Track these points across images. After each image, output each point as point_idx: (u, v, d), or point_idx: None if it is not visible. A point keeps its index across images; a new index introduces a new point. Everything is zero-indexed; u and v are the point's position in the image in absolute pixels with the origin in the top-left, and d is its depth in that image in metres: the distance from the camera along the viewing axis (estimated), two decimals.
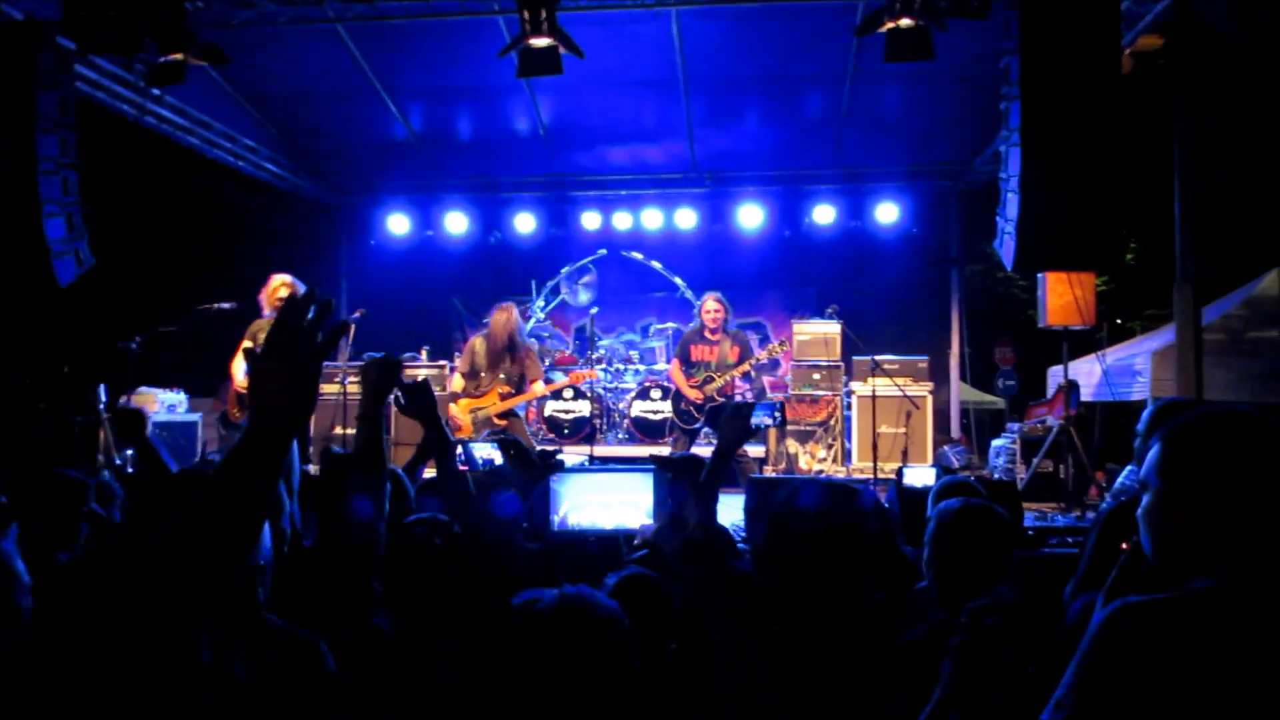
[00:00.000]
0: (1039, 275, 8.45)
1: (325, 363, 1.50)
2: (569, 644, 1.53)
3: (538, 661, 1.52)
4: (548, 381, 8.74)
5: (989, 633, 1.62)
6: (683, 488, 2.39)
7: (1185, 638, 1.40)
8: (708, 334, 8.31)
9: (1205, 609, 1.44)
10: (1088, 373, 10.08)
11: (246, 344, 7.33)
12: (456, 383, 8.39)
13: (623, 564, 2.93)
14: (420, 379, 3.31)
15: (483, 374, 8.12)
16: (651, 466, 3.04)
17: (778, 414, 7.55)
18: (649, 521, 2.92)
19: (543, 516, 2.97)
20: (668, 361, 9.91)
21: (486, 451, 5.21)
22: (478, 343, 8.34)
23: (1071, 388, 8.23)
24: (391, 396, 2.89)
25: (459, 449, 5.17)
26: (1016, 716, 1.88)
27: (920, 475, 4.77)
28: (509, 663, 1.54)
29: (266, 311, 7.36)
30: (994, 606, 1.64)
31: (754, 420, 3.11)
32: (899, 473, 4.91)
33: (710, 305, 8.36)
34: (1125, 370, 10.26)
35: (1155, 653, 1.40)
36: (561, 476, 3.03)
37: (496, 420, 8.07)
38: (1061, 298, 8.14)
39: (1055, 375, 9.67)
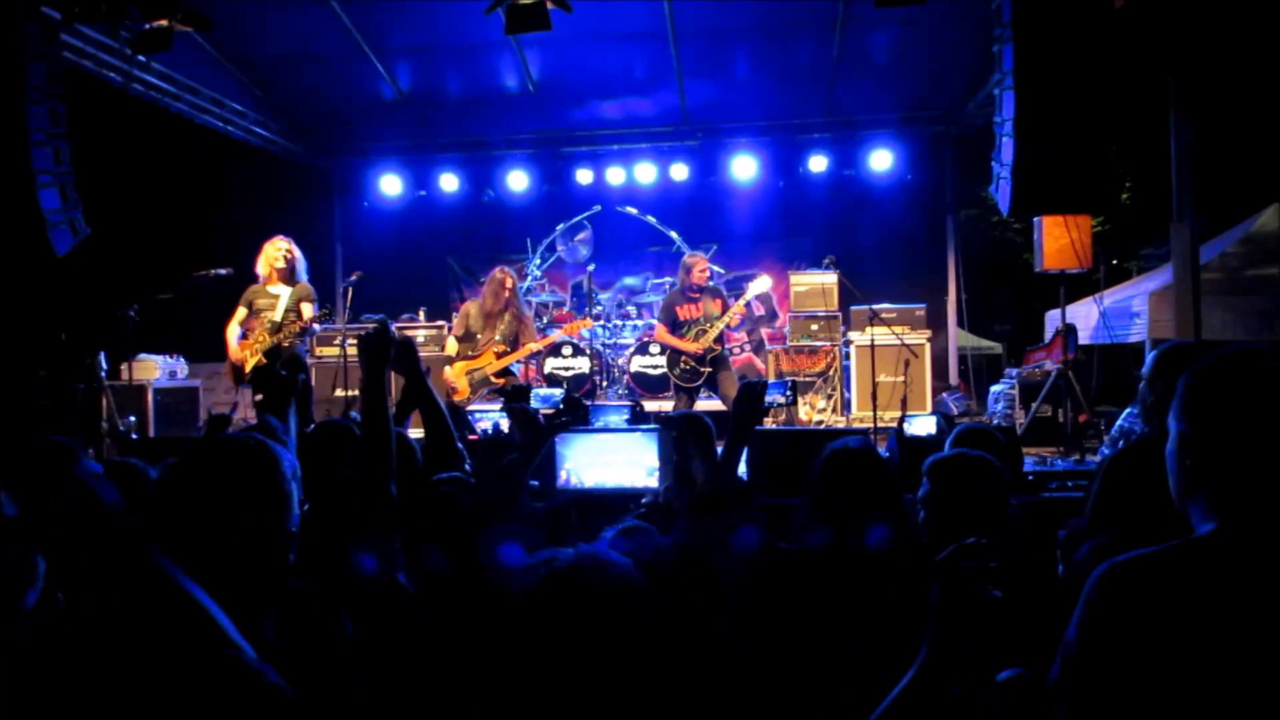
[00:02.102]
0: (1035, 219, 8.43)
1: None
2: (585, 602, 1.54)
3: (554, 621, 1.54)
4: (542, 338, 8.80)
5: (966, 575, 1.64)
6: (688, 446, 2.41)
7: (1184, 590, 1.41)
8: (691, 293, 8.35)
9: (1202, 557, 1.45)
10: (1085, 315, 10.10)
11: (237, 315, 7.36)
12: (450, 346, 8.43)
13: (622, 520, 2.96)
14: (405, 337, 3.32)
15: (478, 336, 8.17)
16: (654, 427, 3.07)
17: (789, 393, 7.62)
18: (652, 480, 2.95)
19: (548, 476, 3.00)
20: None
21: (488, 420, 5.26)
22: (471, 306, 8.39)
23: (1069, 332, 8.24)
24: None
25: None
26: (1006, 656, 1.91)
27: (923, 425, 4.85)
28: (525, 623, 1.56)
29: (263, 274, 7.35)
30: (969, 549, 1.66)
31: (768, 399, 3.13)
32: (900, 422, 4.97)
33: (702, 264, 8.41)
34: (1123, 312, 10.28)
35: (1154, 609, 1.41)
36: (566, 438, 3.06)
37: (494, 379, 8.12)
38: (1058, 241, 8.13)
39: (1053, 319, 9.68)
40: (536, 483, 3.17)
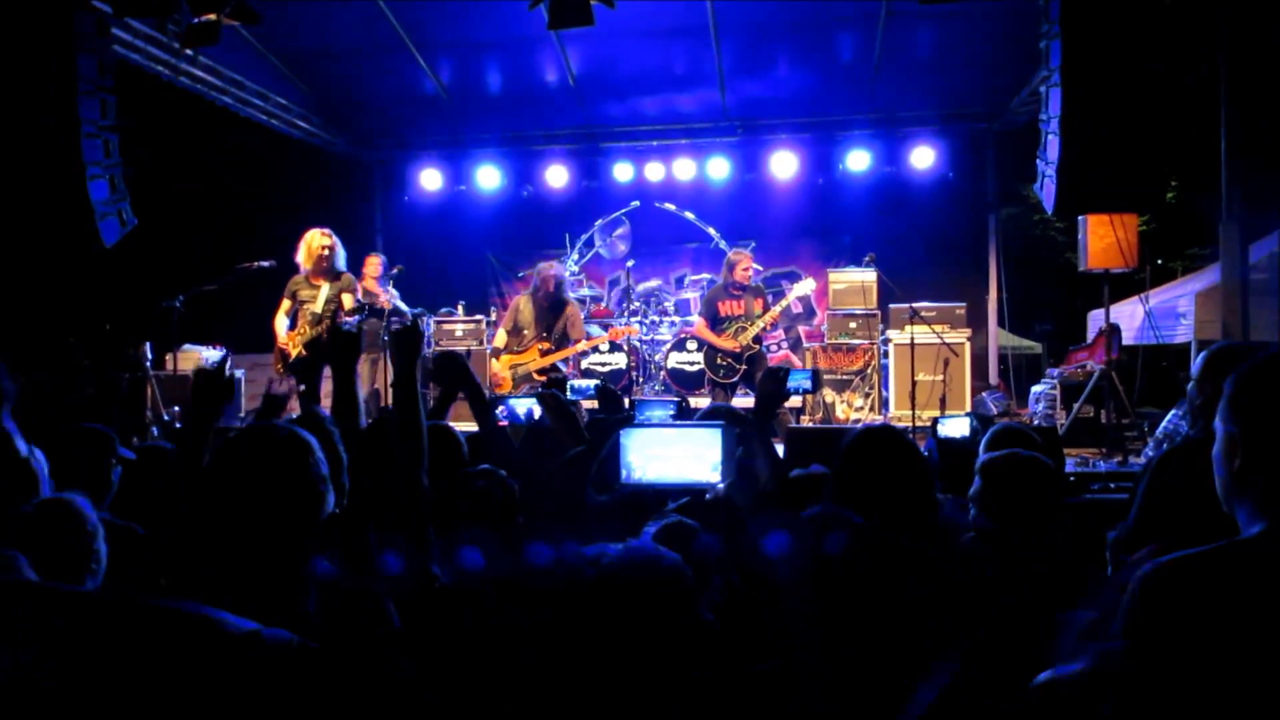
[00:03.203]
0: (1079, 218, 8.33)
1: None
2: (636, 597, 1.54)
3: (605, 614, 1.54)
4: (588, 338, 8.80)
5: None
6: (751, 442, 2.42)
7: (1229, 591, 1.40)
8: (734, 290, 8.32)
9: (1249, 559, 1.44)
10: (1129, 315, 9.98)
11: (283, 306, 7.45)
12: (499, 339, 8.46)
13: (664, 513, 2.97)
14: (447, 351, 3.38)
15: (525, 331, 8.19)
16: (719, 422, 3.08)
17: (808, 382, 7.60)
18: (714, 475, 2.96)
19: (612, 470, 3.02)
20: None
21: (527, 405, 5.28)
22: (522, 301, 8.41)
23: (1113, 332, 8.14)
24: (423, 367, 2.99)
25: (500, 406, 5.24)
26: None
27: (956, 426, 4.82)
28: (576, 615, 1.56)
29: (305, 267, 7.45)
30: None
31: (790, 385, 3.14)
32: (934, 423, 4.94)
33: (746, 261, 8.37)
34: (1168, 312, 10.15)
35: (1198, 610, 1.40)
36: (629, 431, 3.08)
37: (536, 376, 8.16)
38: (1103, 240, 8.01)
39: (1096, 319, 9.58)
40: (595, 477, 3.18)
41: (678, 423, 3.84)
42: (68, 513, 2.30)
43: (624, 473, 3.04)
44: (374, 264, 9.32)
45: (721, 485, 2.95)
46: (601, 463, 3.06)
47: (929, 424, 8.07)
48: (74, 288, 8.93)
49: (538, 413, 5.87)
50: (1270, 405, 1.49)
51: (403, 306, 8.86)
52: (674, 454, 3.06)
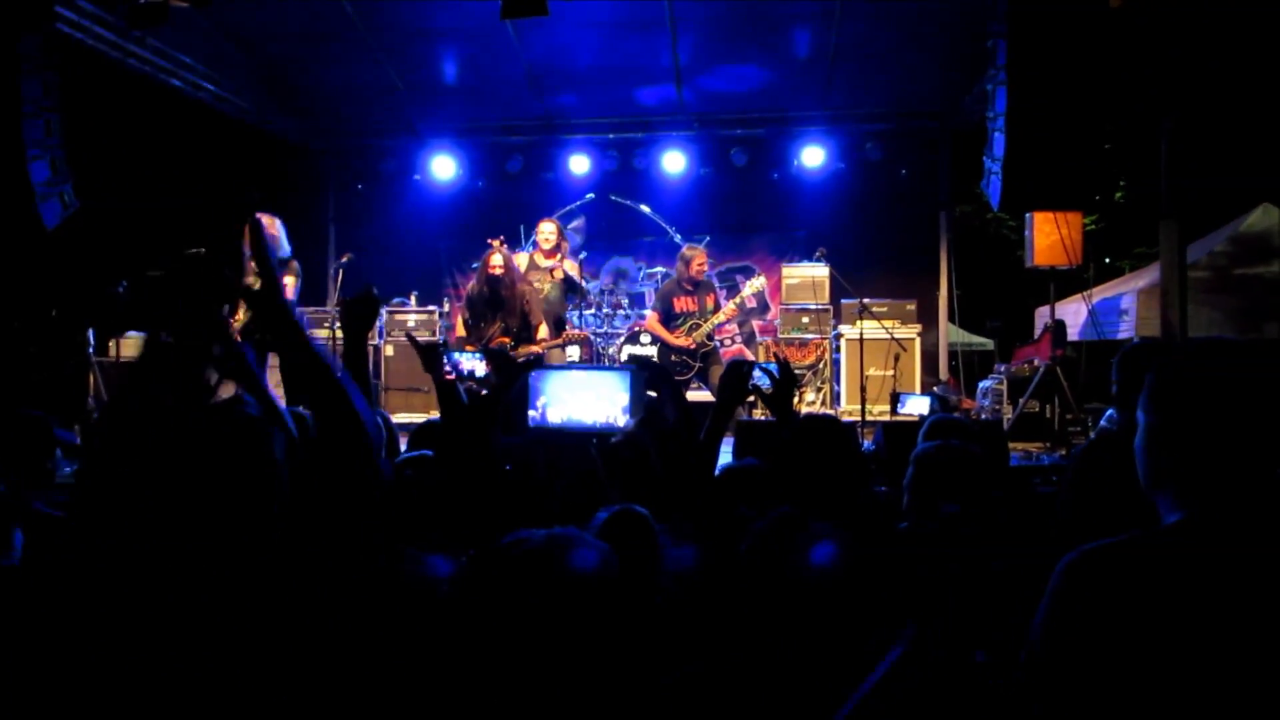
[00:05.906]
0: (1026, 215, 8.45)
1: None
2: (554, 587, 1.50)
3: (519, 603, 1.50)
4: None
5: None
6: (661, 387, 2.41)
7: (1148, 578, 1.42)
8: (686, 285, 8.31)
9: (1167, 547, 1.46)
10: (1074, 312, 10.14)
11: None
12: (460, 328, 8.33)
13: (601, 450, 2.89)
14: (434, 342, 3.34)
15: (483, 324, 7.99)
16: (630, 367, 3.08)
17: (776, 373, 7.60)
18: (624, 418, 2.94)
19: (520, 412, 2.98)
20: None
21: (472, 362, 5.31)
22: (473, 288, 8.28)
23: (1058, 328, 8.28)
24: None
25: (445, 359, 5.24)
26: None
27: (917, 405, 4.90)
28: (491, 602, 1.52)
29: (248, 252, 7.31)
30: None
31: (753, 380, 3.13)
32: (894, 398, 5.00)
33: (701, 258, 8.35)
34: (1112, 309, 10.33)
35: (1117, 597, 1.42)
36: (540, 373, 3.06)
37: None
38: (1048, 237, 8.15)
39: (1043, 316, 9.72)
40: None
41: (587, 366, 3.82)
42: None
43: (533, 415, 3.02)
44: (546, 231, 8.93)
45: (629, 425, 2.93)
46: (509, 405, 3.01)
47: (880, 419, 8.18)
48: (15, 272, 8.73)
49: (480, 370, 5.87)
50: (1189, 397, 1.52)
51: (578, 280, 8.81)
52: (583, 397, 3.05)
